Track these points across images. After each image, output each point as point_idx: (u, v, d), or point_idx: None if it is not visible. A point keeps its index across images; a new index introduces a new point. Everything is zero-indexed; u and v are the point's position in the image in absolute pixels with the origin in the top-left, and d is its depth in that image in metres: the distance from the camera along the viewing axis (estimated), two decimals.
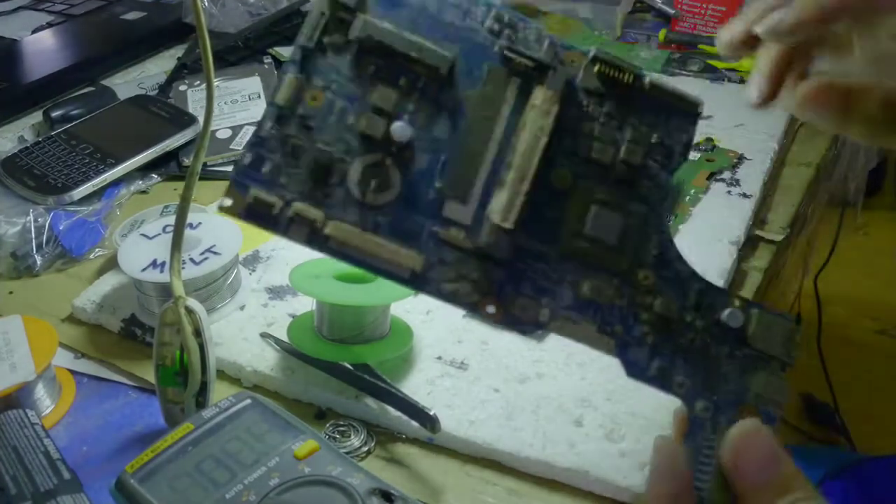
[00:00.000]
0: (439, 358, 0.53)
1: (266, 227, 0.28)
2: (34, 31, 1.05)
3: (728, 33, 0.37)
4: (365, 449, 0.48)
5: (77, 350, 0.57)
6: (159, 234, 0.58)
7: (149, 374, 0.51)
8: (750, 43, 0.36)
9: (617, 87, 0.30)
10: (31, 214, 0.67)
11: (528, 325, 0.29)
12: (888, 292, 1.68)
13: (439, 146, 0.29)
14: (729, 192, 0.70)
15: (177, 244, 0.47)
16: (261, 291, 0.59)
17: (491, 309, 0.29)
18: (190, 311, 0.47)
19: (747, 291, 0.62)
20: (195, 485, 0.40)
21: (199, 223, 0.59)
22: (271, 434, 0.43)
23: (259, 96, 0.84)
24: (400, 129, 0.28)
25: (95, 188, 0.72)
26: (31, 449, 0.44)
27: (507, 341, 0.54)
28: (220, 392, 0.49)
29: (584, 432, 0.47)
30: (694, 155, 0.74)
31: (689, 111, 0.30)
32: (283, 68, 0.29)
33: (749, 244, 0.66)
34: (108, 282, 0.61)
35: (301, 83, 0.29)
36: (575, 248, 0.29)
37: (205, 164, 0.72)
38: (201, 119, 0.77)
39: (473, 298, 0.29)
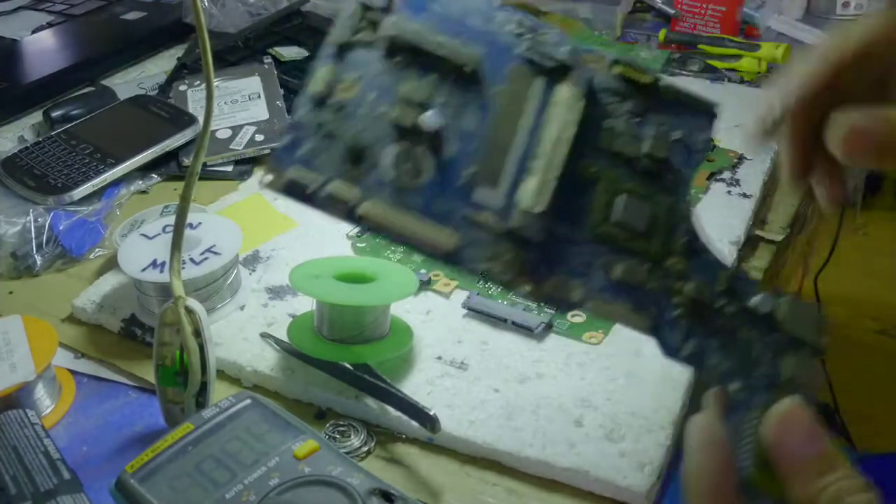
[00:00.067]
0: (439, 358, 0.53)
1: (304, 203, 0.29)
2: (34, 31, 1.05)
3: (759, 126, 0.37)
4: (365, 449, 0.48)
5: (77, 350, 0.57)
6: (159, 234, 0.58)
7: (149, 374, 0.51)
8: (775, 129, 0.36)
9: (636, 87, 0.31)
10: (31, 214, 0.67)
11: (562, 303, 0.30)
12: (888, 292, 1.68)
13: (467, 137, 0.30)
14: (729, 192, 0.70)
15: (177, 244, 0.47)
16: (261, 291, 0.59)
17: (526, 287, 0.30)
18: (190, 311, 0.47)
19: None
20: (195, 485, 0.40)
21: (199, 223, 0.59)
22: (271, 434, 0.43)
23: (259, 96, 0.83)
24: (430, 118, 0.30)
25: (95, 188, 0.72)
26: (31, 449, 0.44)
27: (507, 341, 0.54)
28: (220, 392, 0.49)
29: (584, 432, 0.47)
30: None
31: (707, 111, 0.32)
32: (317, 62, 0.30)
33: (749, 244, 0.66)
34: (108, 282, 0.61)
35: (334, 75, 0.30)
36: (605, 234, 0.30)
37: (205, 164, 0.72)
38: (201, 119, 0.77)
39: (507, 277, 0.30)
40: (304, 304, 0.57)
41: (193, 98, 0.85)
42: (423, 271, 0.59)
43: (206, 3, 1.02)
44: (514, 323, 0.55)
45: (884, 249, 1.77)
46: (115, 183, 0.74)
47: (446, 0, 0.31)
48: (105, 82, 0.94)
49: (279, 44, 0.96)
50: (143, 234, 0.58)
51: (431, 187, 0.30)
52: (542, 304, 0.30)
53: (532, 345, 0.54)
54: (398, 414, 0.48)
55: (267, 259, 0.63)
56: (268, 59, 0.92)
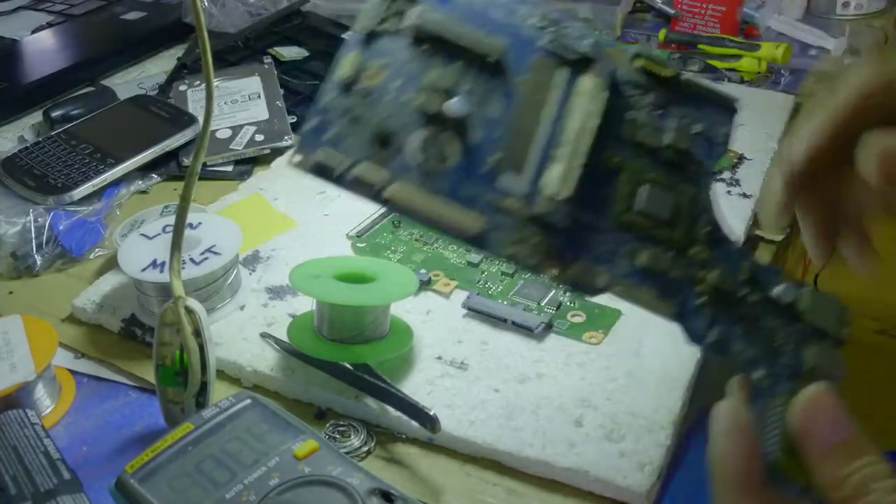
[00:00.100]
0: (439, 358, 0.53)
1: (333, 183, 0.30)
2: (34, 31, 1.05)
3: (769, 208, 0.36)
4: (365, 449, 0.48)
5: (77, 350, 0.57)
6: (159, 234, 0.58)
7: (149, 374, 0.51)
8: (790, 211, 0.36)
9: (658, 81, 0.32)
10: (31, 214, 0.67)
11: (588, 289, 0.30)
12: (888, 292, 1.68)
13: (492, 124, 0.30)
14: (729, 192, 0.70)
15: (177, 244, 0.47)
16: (261, 291, 0.59)
17: (553, 271, 0.30)
18: (190, 311, 0.47)
19: None
20: (195, 485, 0.40)
21: (199, 223, 0.59)
22: (271, 434, 0.43)
23: (259, 96, 0.83)
24: (455, 104, 0.30)
25: (95, 188, 0.72)
26: (31, 449, 0.44)
27: (507, 341, 0.54)
28: (220, 392, 0.49)
29: (584, 432, 0.47)
30: None
31: (727, 106, 0.33)
32: (343, 49, 0.31)
33: (749, 244, 0.66)
34: (108, 282, 0.61)
35: (361, 62, 0.30)
36: (629, 222, 0.31)
37: (204, 164, 0.72)
38: (201, 119, 0.77)
39: (534, 261, 0.30)
40: (304, 304, 0.57)
41: (193, 98, 0.85)
42: (423, 271, 0.59)
43: (206, 3, 1.02)
44: (514, 323, 0.55)
45: (884, 250, 1.77)
46: (115, 183, 0.74)
47: None
48: (105, 82, 0.94)
49: (279, 44, 0.96)
50: (143, 234, 0.58)
51: (457, 172, 0.30)
52: (568, 289, 0.30)
53: (532, 345, 0.54)
54: (398, 414, 0.48)
55: (267, 259, 0.63)
56: (268, 59, 0.92)
